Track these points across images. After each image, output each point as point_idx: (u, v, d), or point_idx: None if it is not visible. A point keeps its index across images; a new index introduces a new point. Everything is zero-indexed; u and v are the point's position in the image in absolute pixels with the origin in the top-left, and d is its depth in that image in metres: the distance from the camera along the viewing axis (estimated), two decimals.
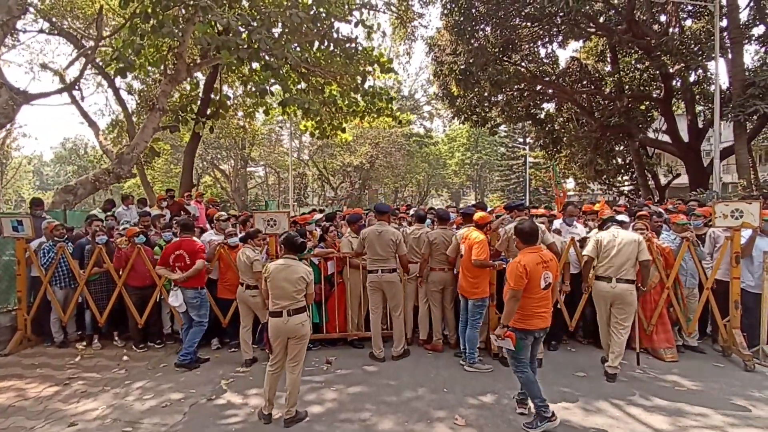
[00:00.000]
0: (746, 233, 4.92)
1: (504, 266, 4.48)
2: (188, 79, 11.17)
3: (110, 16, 12.98)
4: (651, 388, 4.21)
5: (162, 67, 10.50)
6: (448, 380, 4.40)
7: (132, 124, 13.13)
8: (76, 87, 11.49)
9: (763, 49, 13.80)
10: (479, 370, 4.56)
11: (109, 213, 7.64)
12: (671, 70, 12.51)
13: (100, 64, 12.79)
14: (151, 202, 10.41)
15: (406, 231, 5.55)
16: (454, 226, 5.75)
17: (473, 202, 6.20)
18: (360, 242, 5.05)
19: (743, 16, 12.25)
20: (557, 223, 5.77)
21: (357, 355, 5.20)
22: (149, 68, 11.40)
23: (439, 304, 5.28)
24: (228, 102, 12.86)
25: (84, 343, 5.75)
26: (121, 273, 5.53)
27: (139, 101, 13.79)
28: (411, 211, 7.20)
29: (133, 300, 5.49)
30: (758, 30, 13.05)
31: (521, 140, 38.88)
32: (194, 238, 5.20)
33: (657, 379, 4.43)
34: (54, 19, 12.58)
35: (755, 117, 10.99)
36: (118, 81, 13.61)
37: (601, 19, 14.47)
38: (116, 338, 5.84)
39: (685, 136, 14.97)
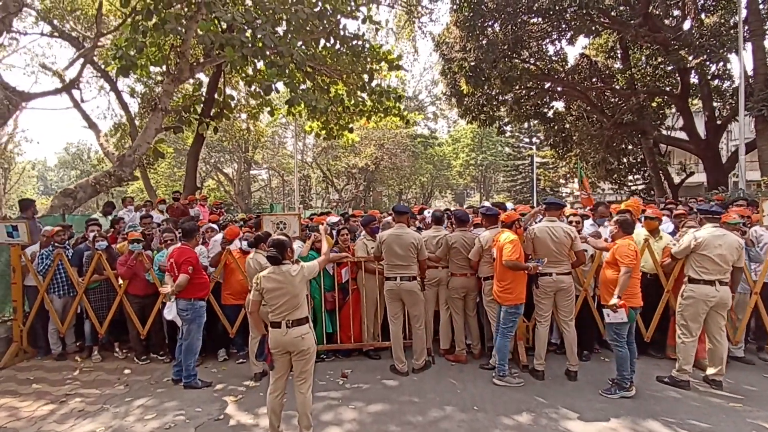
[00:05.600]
0: None
1: (540, 268, 4.11)
2: (191, 78, 10.88)
3: (111, 18, 12.75)
4: (697, 404, 3.82)
5: (164, 67, 10.22)
6: (477, 397, 4.03)
7: (134, 127, 12.88)
8: (76, 86, 11.22)
9: None
10: (510, 384, 4.19)
11: (111, 217, 7.35)
12: (690, 65, 12.10)
13: (102, 65, 12.56)
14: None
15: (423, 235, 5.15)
16: (472, 227, 5.38)
17: (486, 204, 5.79)
18: (377, 247, 4.69)
19: (765, 7, 11.81)
20: (588, 224, 5.40)
21: (374, 367, 4.85)
22: (151, 69, 11.13)
23: (461, 312, 4.93)
24: (232, 103, 12.54)
25: (83, 355, 5.44)
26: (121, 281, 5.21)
27: (141, 104, 13.53)
28: (426, 212, 6.73)
29: (134, 309, 5.16)
30: None
31: (527, 140, 38.50)
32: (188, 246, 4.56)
33: (704, 393, 4.05)
34: (55, 22, 12.38)
35: None
36: (121, 83, 13.40)
37: (613, 14, 14.09)
38: (117, 350, 5.52)
39: (701, 132, 14.56)
